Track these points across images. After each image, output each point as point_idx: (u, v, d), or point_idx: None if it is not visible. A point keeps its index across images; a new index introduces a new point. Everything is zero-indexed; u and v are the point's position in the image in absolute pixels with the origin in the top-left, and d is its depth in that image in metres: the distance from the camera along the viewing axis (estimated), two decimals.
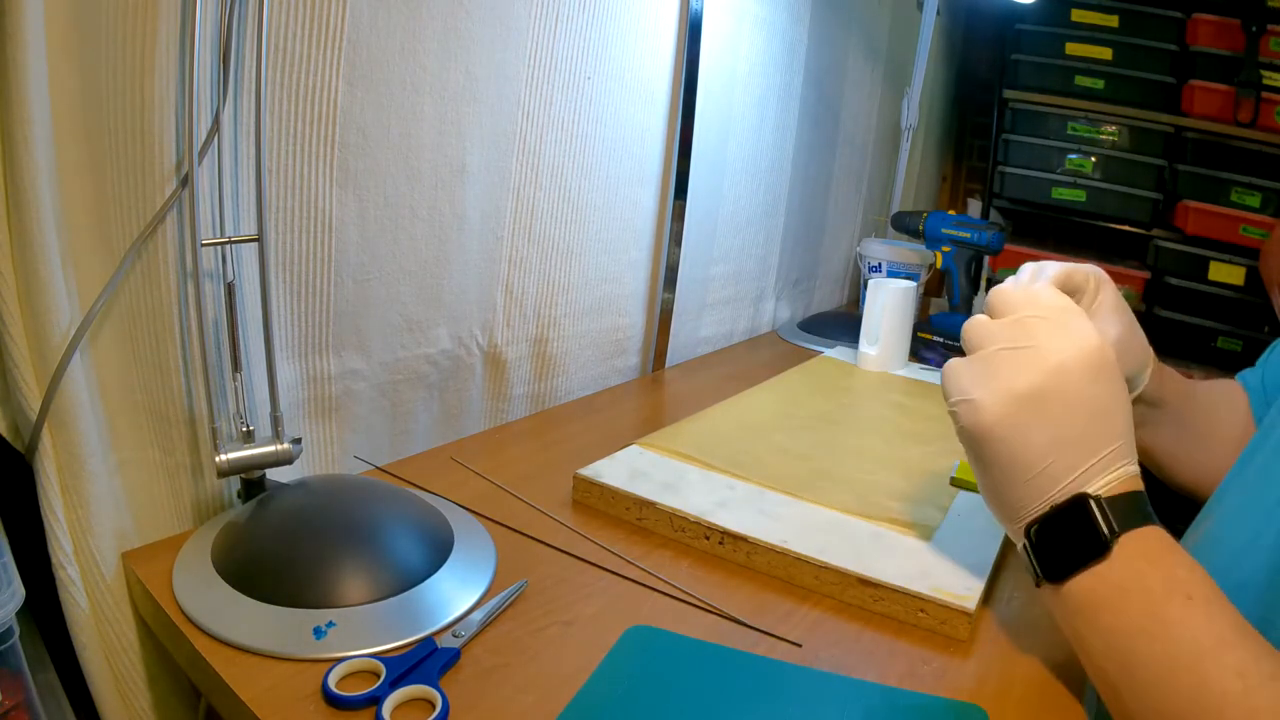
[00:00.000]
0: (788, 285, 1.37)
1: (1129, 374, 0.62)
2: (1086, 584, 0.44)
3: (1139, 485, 0.46)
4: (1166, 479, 0.71)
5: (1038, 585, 0.47)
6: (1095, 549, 0.43)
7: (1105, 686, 0.44)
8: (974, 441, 0.48)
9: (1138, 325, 0.63)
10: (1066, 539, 0.44)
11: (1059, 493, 0.45)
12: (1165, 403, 0.65)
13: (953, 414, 0.49)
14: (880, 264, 1.35)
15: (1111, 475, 0.45)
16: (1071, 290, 0.61)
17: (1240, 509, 0.53)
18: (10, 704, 0.48)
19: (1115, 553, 0.43)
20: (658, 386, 1.03)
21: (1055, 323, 0.48)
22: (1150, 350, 0.64)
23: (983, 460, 0.48)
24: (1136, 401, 0.63)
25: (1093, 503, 0.44)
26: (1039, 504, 0.46)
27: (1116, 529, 0.43)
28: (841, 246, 1.54)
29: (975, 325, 0.50)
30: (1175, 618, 0.41)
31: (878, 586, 0.56)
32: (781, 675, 0.50)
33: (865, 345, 1.07)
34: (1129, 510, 0.44)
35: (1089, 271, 0.62)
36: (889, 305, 1.04)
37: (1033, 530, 0.46)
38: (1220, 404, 0.72)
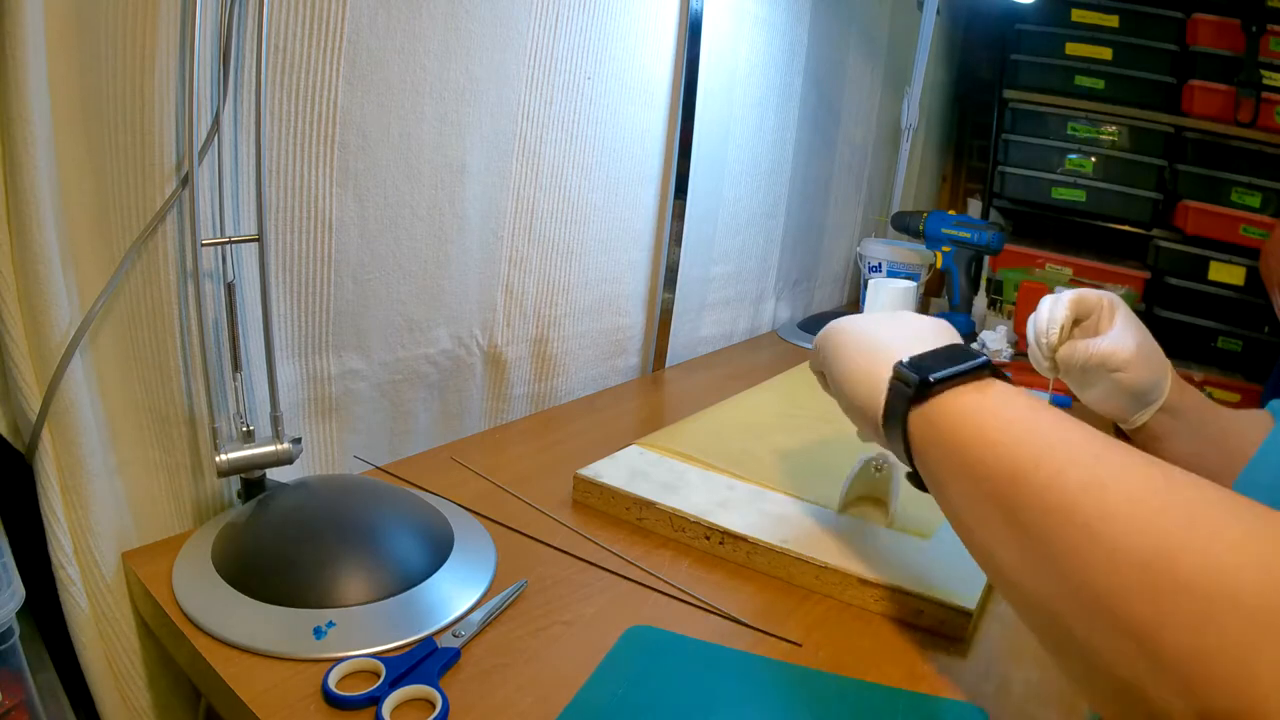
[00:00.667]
0: (788, 285, 1.37)
1: (1150, 382, 0.66)
2: (965, 398, 0.41)
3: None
4: None
5: (904, 414, 0.43)
6: (975, 368, 0.42)
7: (991, 539, 0.37)
8: (827, 357, 0.52)
9: (1152, 338, 0.67)
10: (941, 363, 0.43)
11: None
12: (1184, 412, 0.67)
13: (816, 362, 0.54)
14: (880, 264, 1.35)
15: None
16: (1085, 312, 0.68)
17: None
18: (10, 704, 0.48)
19: (994, 382, 0.42)
20: (658, 386, 1.03)
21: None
22: (1167, 360, 0.67)
23: (837, 360, 0.51)
24: (1159, 412, 0.67)
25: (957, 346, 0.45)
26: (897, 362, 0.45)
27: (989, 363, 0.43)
28: (841, 246, 1.54)
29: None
30: (1090, 434, 0.36)
31: (878, 586, 0.56)
32: (781, 675, 0.50)
33: None
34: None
35: (1100, 294, 0.68)
36: (889, 305, 1.04)
37: (901, 363, 0.44)
38: (1250, 429, 0.72)
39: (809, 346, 1.23)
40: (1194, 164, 1.59)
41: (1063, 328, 0.68)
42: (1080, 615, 0.31)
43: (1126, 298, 1.50)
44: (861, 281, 1.39)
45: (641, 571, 0.59)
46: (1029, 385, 0.60)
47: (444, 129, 0.71)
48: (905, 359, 0.45)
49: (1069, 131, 1.69)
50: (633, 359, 1.04)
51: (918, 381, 0.42)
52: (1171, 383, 0.67)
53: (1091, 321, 0.69)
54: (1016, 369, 1.18)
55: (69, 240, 0.51)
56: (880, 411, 0.46)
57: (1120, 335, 0.66)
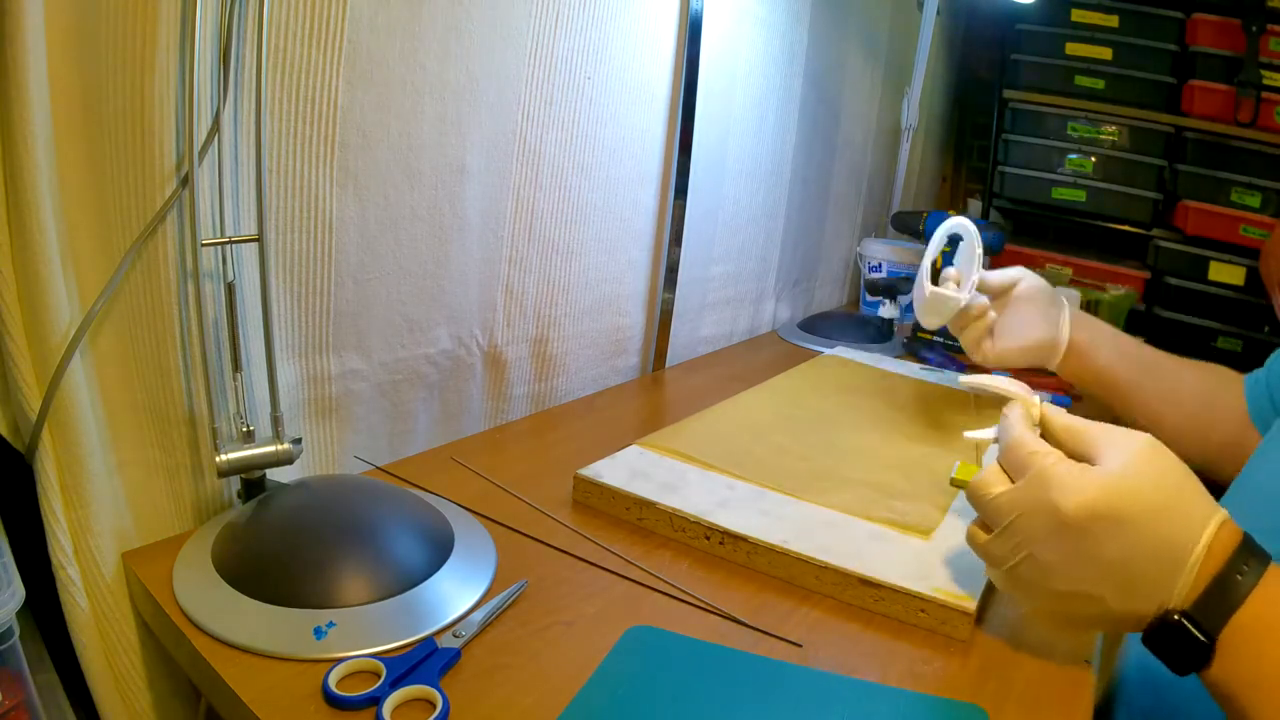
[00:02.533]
0: (788, 285, 1.37)
1: (1041, 360, 0.77)
2: (1209, 677, 0.43)
3: (1228, 548, 0.43)
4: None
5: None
6: (1199, 658, 0.42)
7: None
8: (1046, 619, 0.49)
9: (1052, 308, 0.77)
10: (1172, 652, 0.43)
11: (1151, 616, 0.44)
12: (1102, 375, 0.77)
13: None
14: (880, 264, 1.35)
15: (1187, 575, 0.43)
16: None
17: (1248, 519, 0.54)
18: (10, 704, 0.48)
19: (1217, 654, 0.42)
20: (658, 386, 1.03)
21: (1029, 514, 0.45)
22: (1062, 332, 0.77)
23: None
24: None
25: (1180, 619, 0.42)
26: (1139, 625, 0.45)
27: (1211, 633, 0.41)
28: (841, 246, 1.54)
29: (985, 507, 0.48)
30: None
31: (878, 586, 0.56)
32: (781, 675, 0.50)
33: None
34: (1219, 598, 0.42)
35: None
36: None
37: (1184, 619, 0.43)
38: (1218, 389, 0.75)
39: (809, 346, 1.24)
40: (1194, 164, 1.59)
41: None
42: None
43: (1127, 298, 1.51)
44: (861, 282, 1.39)
45: (642, 571, 0.59)
46: (1034, 384, 0.60)
47: (444, 129, 0.71)
48: (1181, 611, 0.42)
49: (1069, 131, 1.69)
50: (633, 359, 1.04)
51: (1205, 646, 0.42)
52: (1066, 354, 0.77)
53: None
54: (1016, 369, 1.17)
55: (69, 240, 0.51)
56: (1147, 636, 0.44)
57: (1004, 337, 0.76)
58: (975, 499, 0.48)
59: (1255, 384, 0.74)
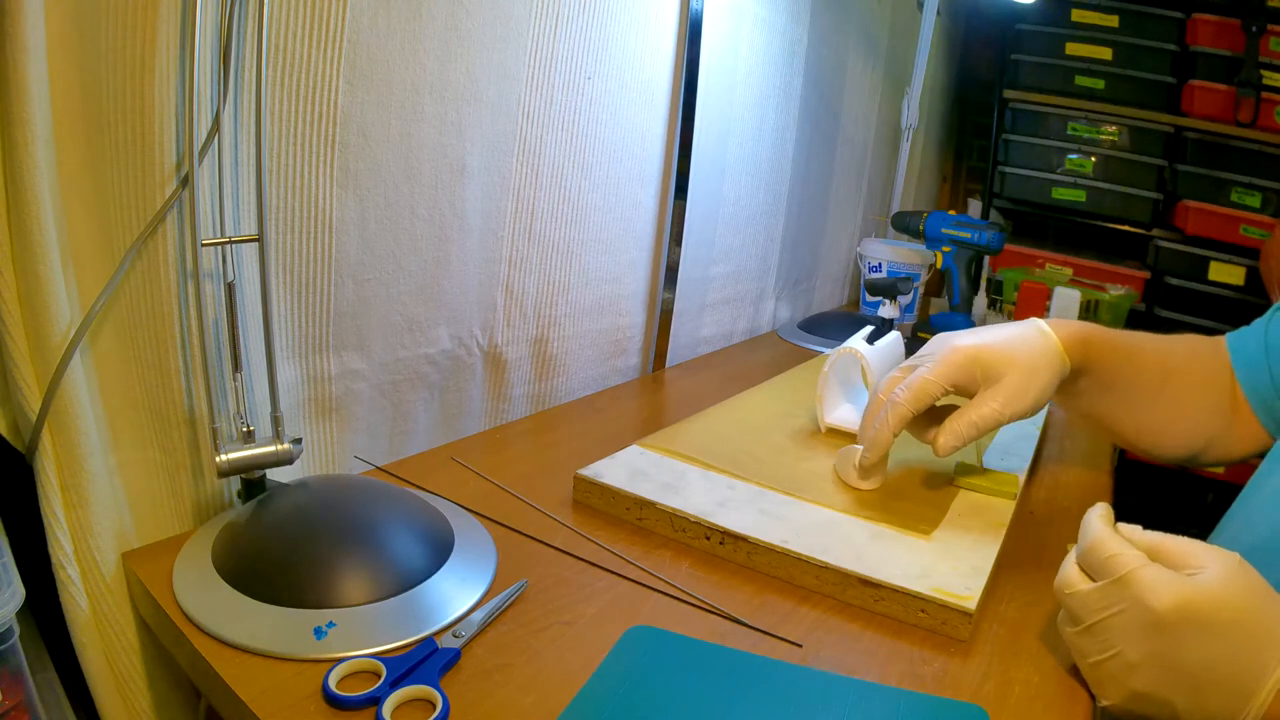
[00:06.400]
0: (788, 285, 1.37)
1: (1042, 402, 0.64)
2: None
3: None
4: (1139, 449, 0.75)
5: None
6: None
7: None
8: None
9: (1018, 352, 0.64)
10: None
11: None
12: (1087, 371, 0.67)
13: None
14: (880, 264, 1.35)
15: (1265, 696, 0.42)
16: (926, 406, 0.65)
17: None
18: (10, 704, 0.48)
19: None
20: (658, 386, 1.03)
21: (1120, 613, 0.45)
22: (1052, 349, 0.66)
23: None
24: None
25: None
26: None
27: None
28: (841, 246, 1.54)
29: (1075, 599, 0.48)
30: None
31: (878, 586, 0.56)
32: (782, 675, 0.50)
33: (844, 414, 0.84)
34: None
35: (932, 381, 0.64)
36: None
37: None
38: (1199, 375, 0.74)
39: (809, 346, 1.24)
40: (1194, 164, 1.59)
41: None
42: None
43: (1127, 298, 1.51)
44: (861, 282, 1.39)
45: (642, 571, 0.59)
46: None
47: (444, 129, 0.71)
48: None
49: (1069, 131, 1.69)
50: (633, 359, 1.04)
51: None
52: (1059, 362, 0.64)
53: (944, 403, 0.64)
54: None
55: (69, 240, 0.51)
56: None
57: (999, 402, 0.62)
58: (1061, 595, 0.49)
59: (1241, 346, 0.71)
